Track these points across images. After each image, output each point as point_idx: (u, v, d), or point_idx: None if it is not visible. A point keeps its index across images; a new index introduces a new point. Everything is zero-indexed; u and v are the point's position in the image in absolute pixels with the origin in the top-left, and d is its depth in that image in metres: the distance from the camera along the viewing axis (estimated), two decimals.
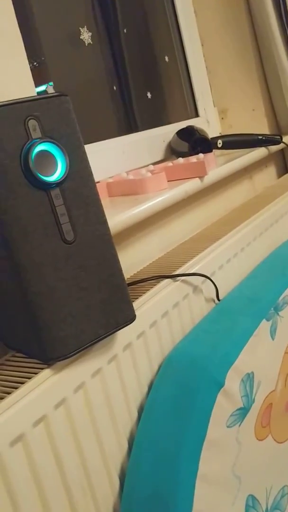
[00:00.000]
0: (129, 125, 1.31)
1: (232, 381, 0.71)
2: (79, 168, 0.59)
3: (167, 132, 1.33)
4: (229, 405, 0.70)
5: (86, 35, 1.14)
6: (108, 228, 0.62)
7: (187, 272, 0.83)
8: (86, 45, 1.15)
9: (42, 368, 0.59)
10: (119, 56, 1.28)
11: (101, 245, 0.61)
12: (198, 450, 0.65)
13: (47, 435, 0.57)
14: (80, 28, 1.13)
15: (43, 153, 0.56)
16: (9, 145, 0.54)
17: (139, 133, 1.28)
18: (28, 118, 0.56)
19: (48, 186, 0.56)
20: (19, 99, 0.56)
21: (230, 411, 0.71)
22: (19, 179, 0.55)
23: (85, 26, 1.14)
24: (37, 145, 0.55)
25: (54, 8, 1.09)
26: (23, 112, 0.55)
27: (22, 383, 0.57)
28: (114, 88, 1.24)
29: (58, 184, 0.57)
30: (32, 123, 0.56)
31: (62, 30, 1.11)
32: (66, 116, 0.59)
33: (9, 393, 0.56)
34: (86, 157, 0.61)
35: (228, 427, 0.71)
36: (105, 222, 0.62)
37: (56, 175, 0.57)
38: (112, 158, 1.14)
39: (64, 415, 0.60)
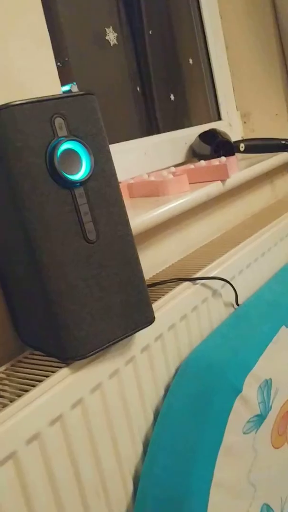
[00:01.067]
0: (152, 127, 1.31)
1: (250, 388, 0.70)
2: (104, 167, 0.59)
3: (189, 134, 1.32)
4: (246, 412, 0.70)
5: (111, 36, 1.14)
6: (130, 228, 0.62)
7: (207, 276, 0.82)
8: (111, 45, 1.15)
9: (60, 367, 0.59)
10: (143, 57, 1.27)
11: (123, 245, 0.61)
12: (213, 456, 0.64)
13: (63, 435, 0.57)
14: (105, 29, 1.13)
15: (68, 151, 0.56)
16: (35, 142, 0.54)
17: (162, 134, 1.28)
18: (55, 116, 0.56)
19: (72, 185, 0.56)
20: (46, 96, 0.56)
21: (247, 417, 0.70)
22: (44, 177, 0.55)
23: (111, 27, 1.14)
24: (63, 144, 0.55)
25: (80, 8, 1.09)
26: (50, 110, 0.55)
27: (40, 381, 0.57)
28: (138, 89, 1.24)
29: (82, 183, 0.57)
30: (58, 121, 0.56)
31: (87, 30, 1.11)
32: (92, 115, 0.58)
33: (26, 391, 0.56)
34: (111, 157, 0.60)
35: (244, 433, 0.70)
36: (127, 222, 0.62)
37: (80, 174, 0.57)
38: (134, 159, 1.14)
39: (81, 415, 0.59)
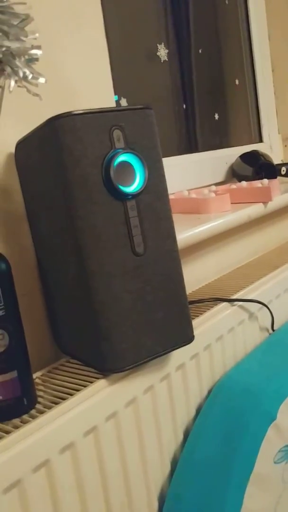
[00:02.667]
0: (194, 144, 1.31)
1: (284, 416, 0.68)
2: (156, 182, 0.59)
3: (230, 154, 1.32)
4: (278, 440, 0.68)
5: (162, 52, 1.15)
6: (177, 244, 0.61)
7: (245, 298, 0.81)
8: (162, 62, 1.16)
9: (97, 378, 0.59)
10: (191, 75, 1.28)
11: (169, 261, 0.60)
12: (244, 483, 0.63)
13: (95, 447, 0.56)
14: (157, 45, 1.15)
15: (124, 163, 0.56)
16: (93, 152, 0.54)
17: (203, 153, 1.28)
18: (114, 128, 0.56)
19: (125, 197, 0.56)
20: (106, 108, 0.56)
21: (278, 446, 0.68)
22: (99, 187, 0.55)
23: (163, 43, 1.15)
24: (119, 155, 0.55)
25: (133, 22, 1.10)
26: (110, 121, 0.56)
27: (77, 390, 0.57)
28: (184, 106, 1.24)
29: (134, 196, 0.57)
30: (116, 133, 0.56)
31: (140, 45, 1.13)
32: (149, 129, 0.59)
33: (62, 398, 0.55)
34: (163, 172, 0.60)
35: (275, 463, 0.68)
36: (174, 238, 0.61)
37: (133, 187, 0.57)
38: (175, 175, 1.14)
39: (114, 428, 0.59)
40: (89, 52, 0.74)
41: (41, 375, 0.63)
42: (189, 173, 1.19)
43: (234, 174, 1.29)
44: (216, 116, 1.35)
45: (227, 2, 1.42)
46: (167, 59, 1.17)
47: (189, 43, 1.28)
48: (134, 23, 1.11)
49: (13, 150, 0.65)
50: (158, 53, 1.15)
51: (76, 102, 0.72)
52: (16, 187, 0.65)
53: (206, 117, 1.33)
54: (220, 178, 1.29)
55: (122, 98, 1.06)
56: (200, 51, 1.30)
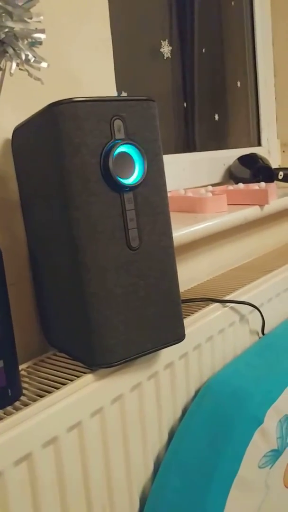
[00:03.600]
0: (192, 144, 1.30)
1: (271, 420, 0.68)
2: (155, 176, 0.58)
3: (228, 156, 1.32)
4: (264, 445, 0.67)
5: (166, 49, 1.14)
6: (173, 241, 0.60)
7: (236, 300, 0.80)
8: (165, 58, 1.15)
9: (84, 372, 0.57)
10: (194, 74, 1.27)
11: (164, 257, 0.59)
12: (228, 486, 0.62)
13: (78, 442, 0.55)
14: (161, 41, 1.14)
15: (123, 154, 0.55)
16: (93, 141, 0.53)
17: (202, 153, 1.27)
18: (115, 117, 0.55)
19: (122, 189, 0.55)
20: (108, 97, 0.55)
21: (264, 451, 0.67)
22: (96, 177, 0.54)
23: (167, 40, 1.14)
24: (119, 146, 0.54)
25: (140, 16, 1.09)
26: (111, 111, 0.54)
27: (63, 383, 0.55)
28: (185, 105, 1.23)
29: (132, 188, 0.56)
30: (117, 123, 0.55)
31: (143, 40, 1.12)
32: (151, 122, 0.58)
33: (47, 391, 0.54)
34: (163, 166, 0.59)
35: (259, 467, 0.67)
36: (170, 234, 0.60)
37: (132, 179, 0.56)
38: (172, 174, 1.13)
39: (99, 424, 0.57)
40: (93, 43, 0.73)
41: (27, 367, 0.61)
42: (186, 172, 1.18)
43: (231, 176, 1.28)
44: (216, 117, 1.34)
45: (233, 3, 1.41)
46: (170, 56, 1.16)
47: (193, 41, 1.27)
48: (139, 17, 1.10)
49: (10, 136, 0.64)
50: (161, 50, 1.14)
51: (77, 91, 0.71)
52: (11, 174, 0.64)
53: (206, 117, 1.33)
54: (216, 179, 1.28)
55: (123, 92, 1.04)
56: (203, 50, 1.29)
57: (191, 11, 1.26)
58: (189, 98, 1.26)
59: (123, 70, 1.07)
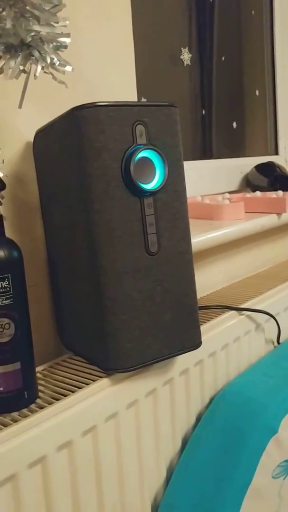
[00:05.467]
0: (210, 151, 1.30)
1: (286, 430, 0.67)
2: (175, 181, 0.58)
3: (245, 164, 1.31)
4: (278, 455, 0.66)
5: (186, 56, 1.15)
6: (191, 247, 0.60)
7: (253, 308, 0.80)
8: (185, 65, 1.15)
9: (100, 377, 0.57)
10: (213, 81, 1.27)
11: (182, 262, 0.59)
12: (241, 496, 0.61)
13: (92, 447, 0.55)
14: (181, 48, 1.14)
15: (144, 159, 0.55)
16: (115, 145, 0.53)
17: (219, 160, 1.27)
18: (137, 122, 0.55)
19: (143, 194, 0.55)
20: (130, 102, 0.55)
21: (278, 461, 0.67)
22: (117, 182, 0.54)
23: (187, 47, 1.15)
24: (140, 151, 0.54)
25: (161, 22, 1.10)
26: (133, 116, 0.54)
27: (78, 387, 0.55)
28: (203, 112, 1.23)
29: (152, 193, 0.56)
30: (139, 128, 0.55)
31: (165, 46, 1.12)
32: (172, 127, 0.58)
33: (65, 395, 0.54)
34: (183, 172, 0.59)
35: (273, 477, 0.66)
36: (189, 240, 0.60)
37: (152, 184, 0.56)
38: (189, 180, 1.13)
39: (113, 429, 0.57)
40: (115, 48, 0.73)
41: (43, 370, 0.61)
42: (203, 179, 1.18)
43: (248, 184, 1.28)
44: (234, 125, 1.34)
45: (253, 12, 1.41)
46: (190, 64, 1.17)
47: (213, 49, 1.27)
48: (160, 23, 1.10)
49: (31, 139, 0.64)
50: (181, 57, 1.14)
51: (98, 95, 0.71)
52: (32, 177, 0.64)
53: (224, 125, 1.32)
54: (233, 187, 1.27)
55: (142, 98, 1.05)
56: (223, 58, 1.29)
57: (211, 19, 1.26)
58: (207, 105, 1.26)
59: (143, 76, 1.07)
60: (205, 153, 1.30)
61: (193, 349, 0.60)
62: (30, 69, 0.50)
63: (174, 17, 1.14)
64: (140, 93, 1.05)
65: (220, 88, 1.30)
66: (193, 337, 0.60)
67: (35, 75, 0.49)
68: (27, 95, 0.63)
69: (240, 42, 1.40)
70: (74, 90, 0.68)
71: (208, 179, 1.20)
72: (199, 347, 0.61)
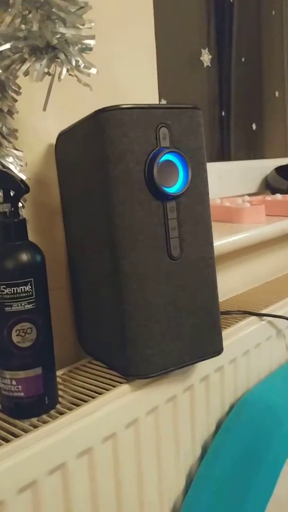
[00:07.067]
0: (228, 152, 1.29)
1: None
2: (198, 185, 0.57)
3: (265, 166, 1.30)
4: None
5: (206, 57, 1.13)
6: (214, 251, 0.59)
7: (274, 314, 0.79)
8: (204, 67, 1.14)
9: (120, 382, 0.56)
10: (232, 83, 1.26)
11: (204, 267, 0.58)
12: (263, 506, 0.60)
13: (112, 454, 0.54)
14: (202, 49, 1.13)
15: (167, 162, 0.54)
16: (138, 148, 0.52)
17: (238, 162, 1.26)
18: (160, 125, 0.54)
19: (165, 197, 0.54)
20: (154, 104, 0.54)
21: None
22: (140, 185, 0.53)
23: (207, 48, 1.14)
24: (164, 154, 0.53)
25: (182, 23, 1.09)
26: (157, 119, 0.54)
27: (98, 393, 0.55)
28: (223, 113, 1.22)
29: (175, 197, 0.55)
30: (163, 131, 0.54)
31: (185, 47, 1.11)
32: (196, 130, 0.57)
33: (84, 401, 0.53)
34: (206, 175, 0.58)
35: None
36: (212, 244, 0.59)
37: (175, 188, 0.55)
38: (208, 182, 1.12)
39: (133, 436, 0.56)
40: (137, 50, 0.73)
41: (62, 374, 0.61)
42: (222, 181, 1.17)
43: (268, 186, 1.26)
44: (254, 126, 1.33)
45: (273, 12, 1.40)
46: (210, 65, 1.15)
47: (233, 50, 1.26)
48: (180, 24, 1.09)
49: (53, 141, 0.63)
50: (201, 58, 1.13)
51: (120, 97, 0.71)
52: (53, 179, 0.64)
53: (244, 126, 1.31)
54: (253, 189, 1.26)
55: (162, 100, 1.04)
56: (243, 59, 1.28)
57: (230, 20, 1.25)
58: (227, 107, 1.25)
59: (163, 78, 1.07)
60: (224, 155, 1.29)
61: (215, 356, 0.59)
62: (55, 71, 0.49)
63: (194, 18, 1.13)
64: (159, 94, 1.04)
65: (240, 89, 1.28)
66: (215, 343, 0.59)
67: (59, 77, 0.49)
68: (50, 97, 0.62)
69: (260, 42, 1.38)
70: (96, 92, 0.68)
71: (227, 181, 1.18)
72: (220, 353, 0.60)
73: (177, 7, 1.08)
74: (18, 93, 0.54)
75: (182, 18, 1.09)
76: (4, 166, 0.53)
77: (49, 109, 0.63)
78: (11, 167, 0.53)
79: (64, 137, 0.61)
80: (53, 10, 0.47)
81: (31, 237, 0.62)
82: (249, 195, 1.23)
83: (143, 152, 0.53)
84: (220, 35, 1.20)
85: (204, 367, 0.65)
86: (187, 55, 1.12)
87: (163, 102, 1.05)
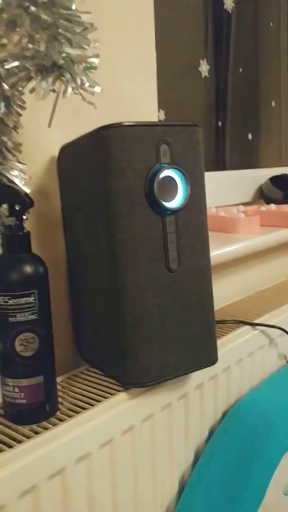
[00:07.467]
0: (223, 162, 1.31)
1: None
2: (197, 200, 0.59)
3: (259, 175, 1.32)
4: None
5: (204, 68, 1.16)
6: (210, 264, 0.61)
7: (267, 323, 0.81)
8: (202, 77, 1.16)
9: (118, 390, 0.58)
10: (230, 93, 1.28)
11: (201, 279, 0.60)
12: (254, 511, 0.62)
13: (109, 459, 0.56)
14: (200, 60, 1.15)
15: (167, 178, 0.56)
16: (139, 165, 0.54)
17: (233, 171, 1.28)
18: (161, 142, 0.56)
19: (165, 212, 0.56)
20: (155, 122, 0.56)
21: None
22: (140, 200, 0.55)
23: (205, 59, 1.16)
24: (164, 170, 0.55)
25: (180, 33, 1.11)
26: (157, 136, 0.56)
27: (96, 400, 0.56)
28: (219, 124, 1.24)
29: (174, 211, 0.57)
30: (163, 147, 0.56)
31: (183, 58, 1.13)
32: (195, 147, 0.59)
33: (83, 408, 0.55)
34: (205, 190, 0.60)
35: (285, 494, 0.67)
36: (209, 257, 0.61)
37: (174, 203, 0.57)
38: None
39: (129, 442, 0.58)
40: (138, 66, 0.74)
41: (61, 381, 0.63)
42: (217, 190, 1.19)
43: (262, 196, 1.28)
44: (250, 136, 1.35)
45: (271, 24, 1.42)
46: (208, 75, 1.18)
47: (230, 61, 1.28)
48: (178, 35, 1.11)
49: (56, 153, 0.65)
50: (199, 68, 1.15)
51: (121, 113, 0.73)
52: (55, 191, 0.66)
53: (240, 136, 1.33)
54: (247, 198, 1.28)
55: (160, 110, 1.06)
56: (240, 70, 1.30)
57: (228, 31, 1.27)
58: (224, 116, 1.27)
59: (160, 88, 1.08)
60: (221, 164, 1.31)
61: (210, 365, 0.61)
62: (60, 88, 0.51)
63: (192, 29, 1.15)
64: (158, 105, 1.06)
65: (237, 99, 1.30)
66: (210, 353, 0.61)
67: (64, 94, 0.50)
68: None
69: (257, 53, 1.40)
70: (97, 107, 0.69)
71: (222, 190, 1.20)
72: (215, 363, 0.62)
73: (175, 17, 1.10)
74: (23, 108, 0.56)
75: (180, 28, 1.11)
76: (9, 180, 0.54)
77: (52, 123, 0.64)
78: (16, 180, 0.54)
79: (67, 150, 0.62)
80: (60, 31, 0.48)
81: (32, 248, 0.63)
82: (243, 204, 1.25)
83: (144, 168, 0.55)
84: (217, 46, 1.22)
85: (199, 375, 0.67)
86: (184, 66, 1.14)
87: (161, 112, 1.07)
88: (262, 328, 0.80)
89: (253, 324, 0.79)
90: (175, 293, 0.58)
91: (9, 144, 0.56)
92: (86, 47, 0.49)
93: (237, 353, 0.75)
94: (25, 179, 0.56)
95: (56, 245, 0.66)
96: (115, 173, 0.54)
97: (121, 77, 0.72)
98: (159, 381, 0.57)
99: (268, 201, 1.23)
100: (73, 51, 0.49)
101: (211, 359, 0.61)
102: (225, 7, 1.23)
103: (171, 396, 0.63)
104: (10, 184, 0.51)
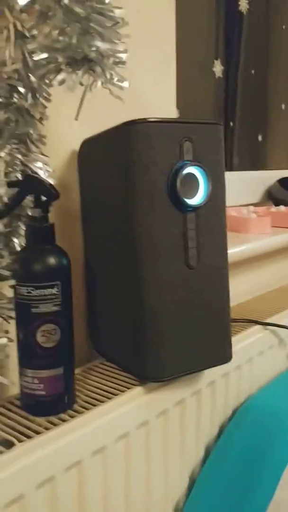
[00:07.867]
0: (232, 162, 1.31)
1: None
2: (217, 197, 0.59)
3: (268, 177, 1.32)
4: None
5: (218, 68, 1.16)
6: (227, 262, 0.61)
7: (278, 323, 0.81)
8: (216, 78, 1.17)
9: (134, 385, 0.58)
10: (238, 94, 1.29)
11: (218, 277, 0.60)
12: (263, 509, 0.62)
13: (124, 453, 0.56)
14: (214, 60, 1.15)
15: (189, 175, 0.56)
16: (163, 161, 0.54)
17: (241, 172, 1.28)
18: (184, 139, 0.56)
19: (186, 209, 0.56)
20: (179, 119, 0.57)
21: None
22: (162, 196, 0.55)
23: (219, 59, 1.16)
24: (187, 167, 0.55)
25: (194, 33, 1.11)
26: (181, 133, 0.56)
27: (113, 394, 0.57)
28: (231, 124, 1.25)
29: (195, 208, 0.57)
30: (187, 145, 0.56)
31: (198, 57, 1.13)
32: (217, 145, 0.59)
33: (100, 401, 0.55)
34: (225, 188, 0.61)
35: None
36: (226, 255, 0.61)
37: (196, 200, 0.57)
38: None
39: (144, 437, 0.58)
40: (157, 64, 0.75)
41: (76, 374, 0.63)
42: (228, 190, 1.19)
43: (271, 197, 1.29)
44: (260, 138, 1.35)
45: (284, 27, 1.43)
46: (221, 76, 1.18)
47: (241, 63, 1.28)
48: (192, 35, 1.11)
49: (77, 147, 0.65)
50: (213, 69, 1.16)
51: (142, 109, 0.73)
52: (74, 185, 0.66)
53: (250, 137, 1.34)
54: (256, 199, 1.29)
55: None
56: (252, 71, 1.31)
57: (239, 33, 1.27)
58: (235, 117, 1.27)
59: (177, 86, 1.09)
60: (231, 165, 1.31)
61: (225, 363, 0.62)
62: (88, 82, 0.51)
63: (205, 29, 1.16)
64: None
65: (249, 101, 1.31)
66: (225, 351, 0.62)
67: (90, 88, 0.51)
68: (74, 105, 0.64)
69: (268, 55, 1.41)
70: (119, 103, 0.70)
71: (231, 190, 1.21)
72: (230, 361, 0.62)
73: (189, 19, 1.10)
74: (48, 100, 0.56)
75: (193, 29, 1.12)
76: (32, 171, 0.54)
77: (73, 116, 0.64)
78: (40, 172, 0.54)
79: (88, 144, 0.63)
80: (91, 24, 0.48)
81: None
82: (254, 205, 1.25)
83: (167, 164, 0.55)
84: (232, 48, 1.22)
85: (212, 372, 0.68)
86: (197, 66, 1.14)
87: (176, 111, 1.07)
88: (273, 328, 0.81)
89: (264, 324, 0.79)
90: (194, 290, 0.58)
91: (34, 135, 0.56)
92: (116, 41, 0.50)
93: (248, 352, 0.75)
94: (48, 171, 0.56)
95: (74, 238, 0.66)
96: (138, 168, 0.54)
97: (141, 74, 0.73)
98: (176, 376, 0.57)
99: (277, 202, 1.24)
100: (103, 45, 0.49)
101: (226, 357, 0.62)
102: (239, 8, 1.23)
103: (184, 392, 0.63)
104: (35, 175, 0.51)
